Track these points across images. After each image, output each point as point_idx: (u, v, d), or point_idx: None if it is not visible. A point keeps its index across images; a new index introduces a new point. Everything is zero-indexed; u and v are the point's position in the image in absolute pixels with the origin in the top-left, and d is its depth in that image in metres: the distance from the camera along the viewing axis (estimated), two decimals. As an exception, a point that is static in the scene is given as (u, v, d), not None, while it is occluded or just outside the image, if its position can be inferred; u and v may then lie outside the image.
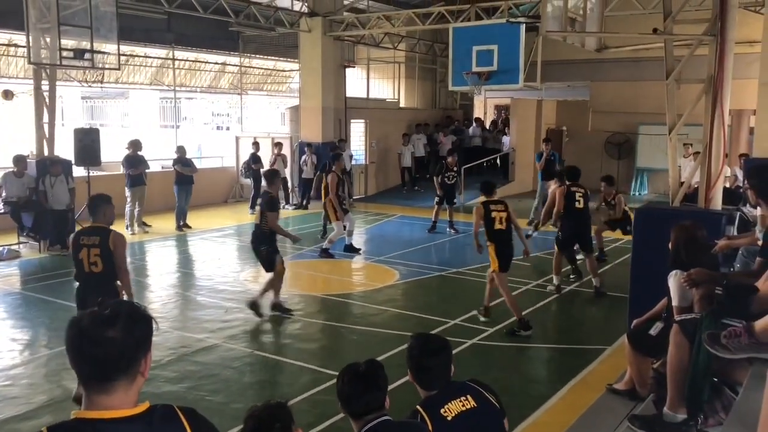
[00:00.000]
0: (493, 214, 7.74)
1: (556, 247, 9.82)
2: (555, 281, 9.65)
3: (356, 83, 21.75)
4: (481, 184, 8.44)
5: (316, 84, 17.61)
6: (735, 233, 6.40)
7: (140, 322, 1.75)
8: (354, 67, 21.24)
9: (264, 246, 8.34)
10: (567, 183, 9.80)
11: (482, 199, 8.23)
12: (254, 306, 8.22)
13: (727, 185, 10.49)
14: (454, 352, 3.16)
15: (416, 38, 21.69)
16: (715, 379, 3.75)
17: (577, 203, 9.54)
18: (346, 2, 17.97)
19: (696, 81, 7.11)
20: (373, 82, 22.72)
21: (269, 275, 8.45)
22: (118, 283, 5.62)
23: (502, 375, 6.61)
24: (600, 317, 8.81)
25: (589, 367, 6.73)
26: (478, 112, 24.40)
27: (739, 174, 12.69)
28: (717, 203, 7.00)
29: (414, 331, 3.84)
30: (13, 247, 11.38)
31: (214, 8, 15.80)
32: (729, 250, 5.04)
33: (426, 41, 22.19)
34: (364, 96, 21.35)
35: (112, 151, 15.03)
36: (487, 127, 23.20)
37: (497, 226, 7.72)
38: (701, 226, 4.45)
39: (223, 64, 19.71)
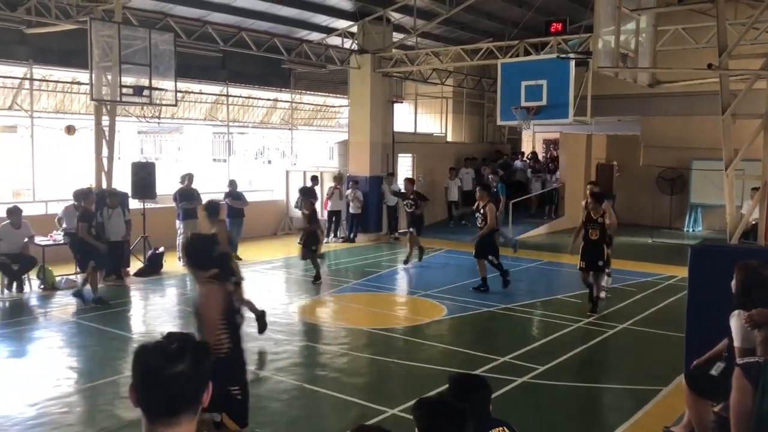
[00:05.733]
0: None
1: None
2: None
3: (404, 118, 21.96)
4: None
5: (365, 119, 17.85)
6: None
7: (205, 354, 1.78)
8: (402, 102, 21.48)
9: None
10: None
11: None
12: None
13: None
14: (502, 390, 3.11)
15: (464, 73, 21.83)
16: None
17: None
18: (395, 39, 18.25)
19: (753, 116, 6.97)
20: (420, 117, 22.91)
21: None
22: None
23: (552, 415, 6.46)
24: (654, 356, 8.56)
25: (644, 408, 6.52)
26: (526, 147, 24.28)
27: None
28: (777, 241, 6.78)
29: (462, 367, 3.82)
30: (71, 277, 11.73)
31: (268, 46, 16.25)
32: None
33: (473, 76, 22.33)
34: (412, 130, 21.53)
35: (167, 185, 15.44)
36: (526, 159, 23.05)
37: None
38: (767, 266, 4.31)
39: (275, 100, 20.17)
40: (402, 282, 13.40)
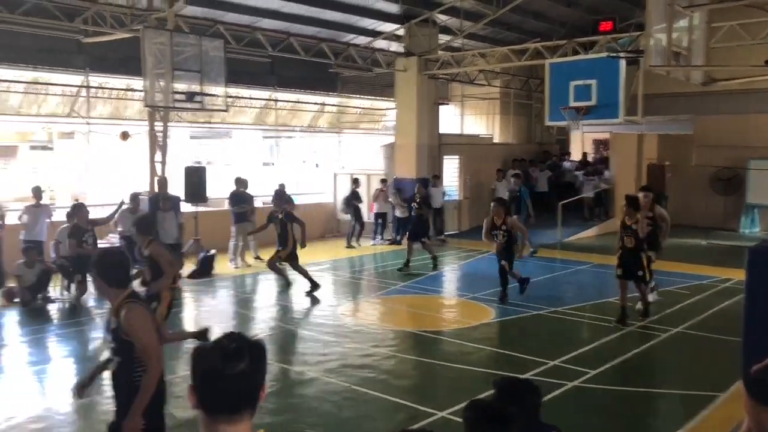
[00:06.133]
0: None
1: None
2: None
3: (450, 119, 21.90)
4: None
5: (411, 121, 17.88)
6: None
7: (263, 353, 1.84)
8: (448, 103, 21.44)
9: None
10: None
11: None
12: None
13: None
14: (552, 394, 3.08)
15: (511, 74, 21.66)
16: None
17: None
18: (441, 41, 18.24)
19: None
20: (467, 118, 22.82)
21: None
22: None
23: (603, 420, 6.37)
24: (710, 361, 8.34)
25: (700, 415, 6.37)
26: (575, 147, 23.94)
27: None
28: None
29: (510, 371, 3.80)
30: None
31: (315, 51, 16.43)
32: None
33: (521, 77, 22.13)
34: (458, 132, 21.45)
35: (219, 189, 15.76)
36: (574, 159, 22.69)
37: None
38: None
39: (322, 104, 20.38)
40: (449, 285, 13.38)
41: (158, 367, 3.80)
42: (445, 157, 19.10)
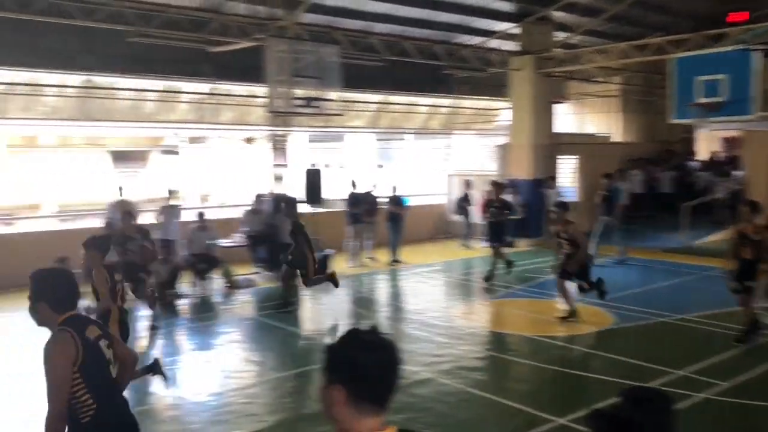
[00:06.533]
0: None
1: None
2: None
3: (566, 118, 21.32)
4: None
5: (526, 121, 17.55)
6: None
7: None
8: (564, 102, 20.87)
9: None
10: None
11: None
12: None
13: None
14: (680, 406, 2.91)
15: (631, 70, 20.80)
16: None
17: None
18: (556, 38, 17.79)
19: None
20: (584, 117, 22.14)
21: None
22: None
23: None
24: None
25: None
26: (702, 146, 22.65)
27: None
28: None
29: (632, 379, 3.65)
30: (249, 277, 12.64)
31: (428, 53, 16.49)
32: None
33: (642, 73, 21.18)
34: (574, 131, 20.84)
35: (335, 190, 16.18)
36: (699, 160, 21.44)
37: None
38: None
39: (434, 106, 20.44)
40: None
41: (55, 413, 3.22)
42: (560, 157, 18.60)
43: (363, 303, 11.84)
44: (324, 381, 1.91)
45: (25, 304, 3.46)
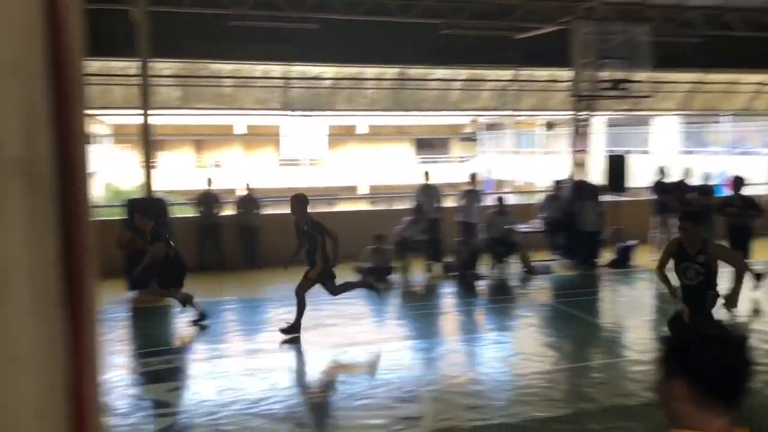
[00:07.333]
0: None
1: None
2: None
3: None
4: None
5: None
6: None
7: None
8: None
9: None
10: None
11: None
12: None
13: None
14: None
15: None
16: None
17: None
18: None
19: None
20: None
21: None
22: None
23: None
24: None
25: None
26: None
27: None
28: None
29: None
30: (546, 263, 12.60)
31: (756, 24, 14.62)
32: None
33: None
34: None
35: (638, 177, 15.26)
36: None
37: None
38: None
39: (760, 83, 18.09)
40: None
41: None
42: None
43: (664, 297, 10.98)
44: (662, 374, 1.83)
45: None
